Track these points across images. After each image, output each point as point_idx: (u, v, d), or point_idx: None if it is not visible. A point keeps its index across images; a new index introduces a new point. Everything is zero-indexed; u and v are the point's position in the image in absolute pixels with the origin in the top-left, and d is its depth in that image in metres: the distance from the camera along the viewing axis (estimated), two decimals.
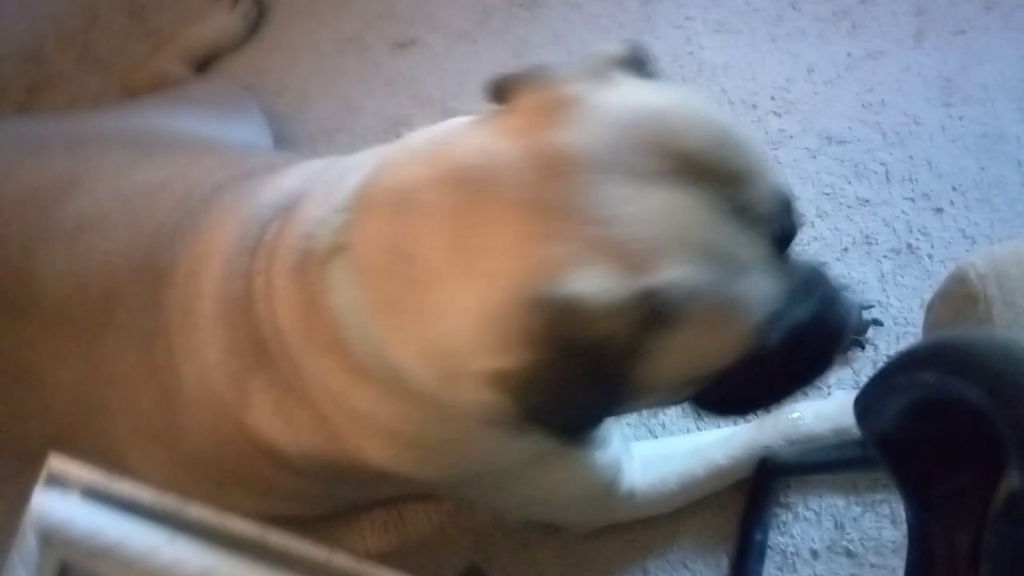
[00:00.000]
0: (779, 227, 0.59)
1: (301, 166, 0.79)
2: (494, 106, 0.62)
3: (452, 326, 0.57)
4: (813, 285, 0.63)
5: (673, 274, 0.53)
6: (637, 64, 0.63)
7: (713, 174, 0.56)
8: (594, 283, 0.52)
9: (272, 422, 0.72)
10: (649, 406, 0.64)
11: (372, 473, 0.74)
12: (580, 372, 0.53)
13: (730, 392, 0.63)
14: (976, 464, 0.43)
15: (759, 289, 0.57)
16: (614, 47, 0.63)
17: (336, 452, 0.72)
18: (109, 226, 0.80)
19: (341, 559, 0.64)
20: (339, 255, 0.64)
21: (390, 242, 0.60)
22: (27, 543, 0.65)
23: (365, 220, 0.63)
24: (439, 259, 0.57)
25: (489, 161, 0.57)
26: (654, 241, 0.53)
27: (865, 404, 0.51)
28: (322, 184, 0.72)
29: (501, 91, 0.62)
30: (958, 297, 0.53)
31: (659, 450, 0.94)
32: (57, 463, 0.69)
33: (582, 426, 0.60)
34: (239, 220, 0.75)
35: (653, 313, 0.53)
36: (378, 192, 0.63)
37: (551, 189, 0.55)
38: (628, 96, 0.59)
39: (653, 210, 0.54)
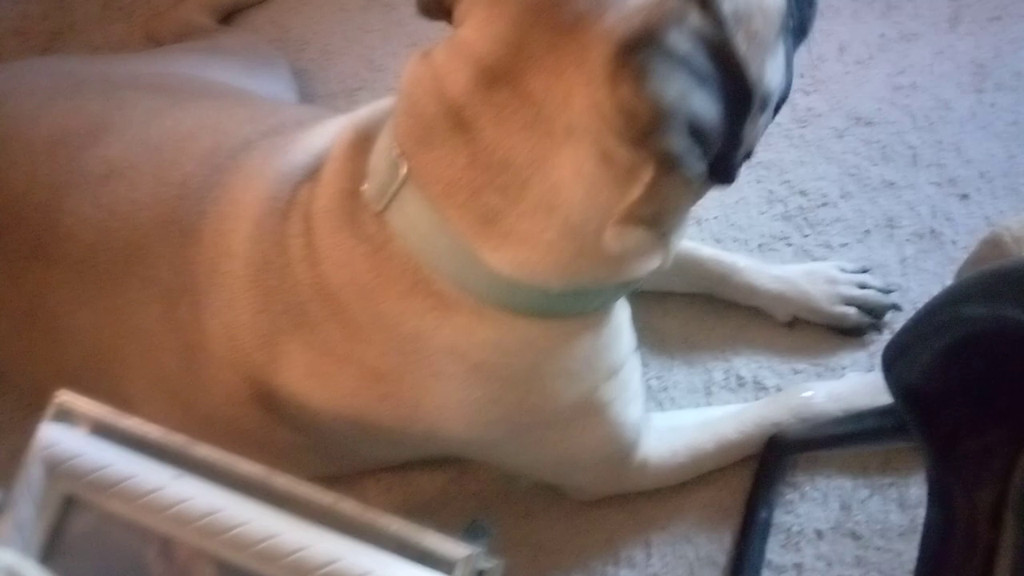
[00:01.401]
0: None
1: (329, 123, 0.79)
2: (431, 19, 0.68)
3: (578, 189, 0.60)
4: None
5: None
6: None
7: None
8: (638, 3, 0.57)
9: (306, 384, 0.72)
10: (764, 104, 0.67)
11: (414, 432, 0.74)
12: (700, 75, 0.57)
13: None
14: (1003, 423, 0.42)
15: None
16: None
17: (382, 411, 0.72)
18: (136, 175, 0.80)
19: (347, 505, 0.63)
20: (397, 200, 0.65)
21: (464, 162, 0.61)
22: (33, 474, 0.65)
23: (424, 155, 0.63)
24: (525, 149, 0.60)
25: (500, 45, 0.60)
26: None
27: (897, 351, 0.50)
28: (344, 143, 0.72)
29: (436, 3, 0.67)
30: (992, 261, 0.52)
31: (670, 421, 0.93)
32: (66, 397, 0.69)
33: (735, 142, 0.62)
34: (269, 180, 0.75)
35: None
36: (420, 126, 0.63)
37: (558, 15, 0.59)
38: None
39: None
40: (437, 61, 0.64)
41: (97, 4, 1.37)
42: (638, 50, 0.56)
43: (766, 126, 0.70)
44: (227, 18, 1.33)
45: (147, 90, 0.91)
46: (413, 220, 0.64)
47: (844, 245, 1.06)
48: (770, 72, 0.66)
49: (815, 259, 1.06)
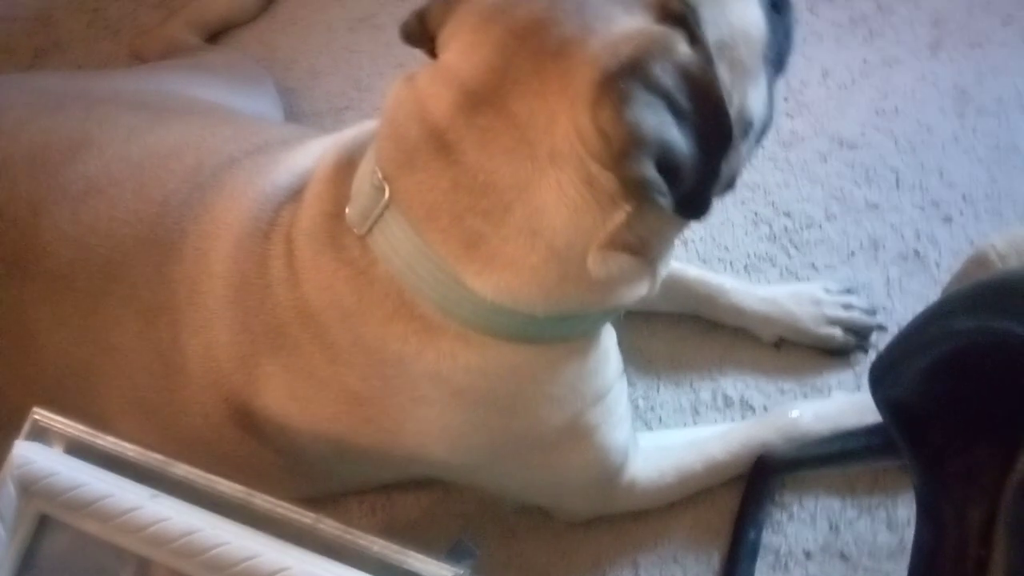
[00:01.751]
0: None
1: (313, 144, 0.79)
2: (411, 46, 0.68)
3: (561, 213, 0.60)
4: None
5: None
6: None
7: None
8: (625, 31, 0.57)
9: (286, 406, 0.72)
10: (745, 131, 0.67)
11: (396, 456, 0.73)
12: (679, 113, 0.57)
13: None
14: (992, 439, 0.42)
15: None
16: None
17: (363, 435, 0.72)
18: (117, 192, 0.79)
19: (328, 525, 0.62)
20: (379, 224, 0.64)
21: (447, 186, 0.61)
22: (6, 493, 0.64)
23: (406, 178, 0.63)
24: (508, 172, 0.59)
25: (484, 69, 0.60)
26: None
27: (885, 367, 0.50)
28: (328, 165, 0.72)
29: (420, 29, 0.66)
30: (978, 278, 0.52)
31: (657, 442, 0.93)
32: (41, 415, 0.68)
33: (713, 172, 0.61)
34: (252, 200, 0.74)
35: (676, 13, 0.59)
36: (403, 150, 0.63)
37: (542, 40, 0.59)
38: None
39: None
40: (420, 84, 0.64)
41: (83, 21, 1.37)
42: (622, 78, 0.56)
43: (750, 154, 0.70)
44: (214, 37, 1.33)
45: (129, 107, 0.90)
46: (396, 244, 0.64)
47: (829, 266, 1.07)
48: (752, 99, 0.66)
49: (800, 280, 1.06)
